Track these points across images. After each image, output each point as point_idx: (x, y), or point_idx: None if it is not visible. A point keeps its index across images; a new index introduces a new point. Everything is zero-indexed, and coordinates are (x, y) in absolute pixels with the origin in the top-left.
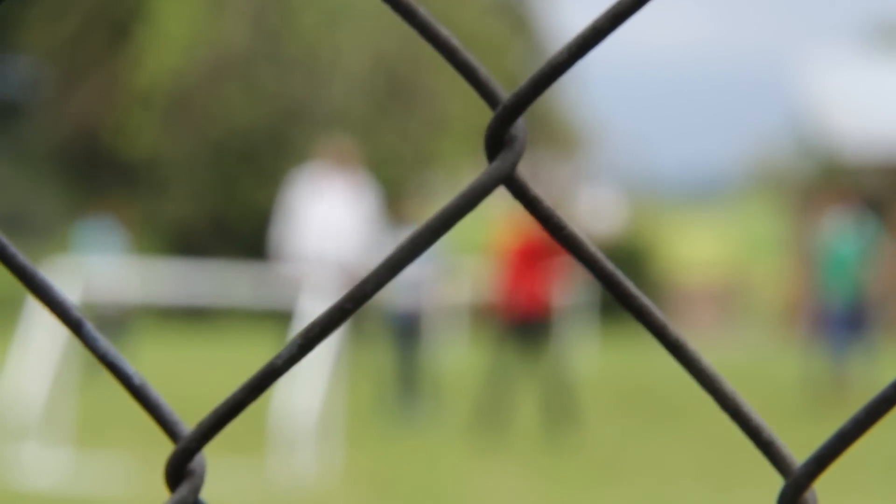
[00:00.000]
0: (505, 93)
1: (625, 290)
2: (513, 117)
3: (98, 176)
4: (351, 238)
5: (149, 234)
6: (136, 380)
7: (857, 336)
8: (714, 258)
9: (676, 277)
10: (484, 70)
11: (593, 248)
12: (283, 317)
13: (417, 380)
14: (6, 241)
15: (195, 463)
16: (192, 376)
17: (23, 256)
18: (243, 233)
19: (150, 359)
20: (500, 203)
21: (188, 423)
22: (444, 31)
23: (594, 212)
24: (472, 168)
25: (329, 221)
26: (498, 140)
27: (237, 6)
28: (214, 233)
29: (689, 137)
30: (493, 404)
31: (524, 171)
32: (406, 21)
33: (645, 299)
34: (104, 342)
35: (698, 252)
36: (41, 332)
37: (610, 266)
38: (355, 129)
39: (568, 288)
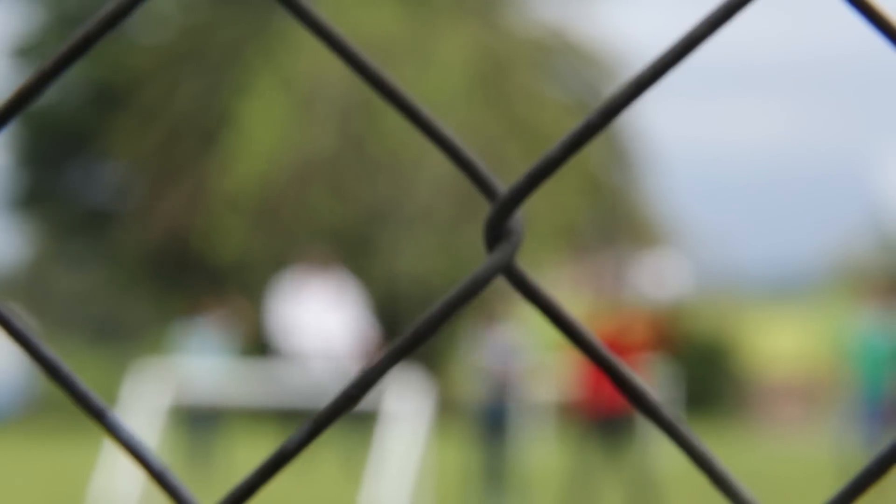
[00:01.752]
0: (502, 187)
1: (622, 375)
2: (510, 211)
3: (188, 280)
4: (340, 336)
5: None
6: None
7: (884, 432)
8: (798, 353)
9: (760, 372)
10: (483, 166)
11: (592, 337)
12: (367, 418)
13: (504, 476)
14: (80, 383)
15: None
16: (280, 479)
17: (98, 400)
18: None
19: (242, 462)
20: (585, 299)
21: None
22: (447, 130)
23: (656, 277)
24: (554, 265)
25: (317, 322)
26: (497, 233)
27: (322, 111)
28: None
29: (771, 232)
30: (579, 502)
31: (607, 265)
32: (410, 121)
33: (640, 382)
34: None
35: (782, 347)
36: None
37: (606, 353)
38: (440, 229)
39: (651, 383)
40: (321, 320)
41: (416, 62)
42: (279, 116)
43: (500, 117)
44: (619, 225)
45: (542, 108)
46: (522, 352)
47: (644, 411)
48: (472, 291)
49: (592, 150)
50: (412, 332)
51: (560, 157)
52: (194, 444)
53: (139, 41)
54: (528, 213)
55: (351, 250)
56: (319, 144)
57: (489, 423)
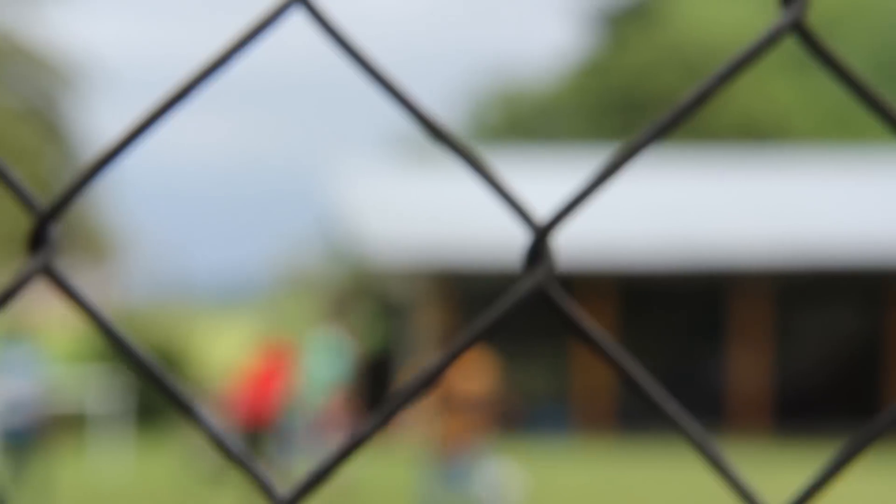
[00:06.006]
0: (539, 218)
1: (647, 391)
2: (543, 239)
3: None
4: None
5: None
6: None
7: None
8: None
9: (211, 382)
10: (523, 199)
11: (620, 352)
12: None
13: (30, 493)
14: (169, 378)
15: None
16: None
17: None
18: None
19: None
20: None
21: None
22: (489, 164)
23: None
24: (4, 273)
25: None
26: (534, 257)
27: None
28: None
29: (223, 243)
30: None
31: (61, 271)
32: (456, 155)
33: (665, 397)
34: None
35: (229, 354)
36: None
37: (635, 368)
38: None
39: (102, 395)
40: None
41: None
42: None
43: None
44: (70, 234)
45: None
46: (35, 368)
47: (675, 427)
48: (513, 307)
49: (41, 154)
50: (468, 335)
51: (587, 191)
52: None
53: None
54: None
55: None
56: None
57: (12, 439)
